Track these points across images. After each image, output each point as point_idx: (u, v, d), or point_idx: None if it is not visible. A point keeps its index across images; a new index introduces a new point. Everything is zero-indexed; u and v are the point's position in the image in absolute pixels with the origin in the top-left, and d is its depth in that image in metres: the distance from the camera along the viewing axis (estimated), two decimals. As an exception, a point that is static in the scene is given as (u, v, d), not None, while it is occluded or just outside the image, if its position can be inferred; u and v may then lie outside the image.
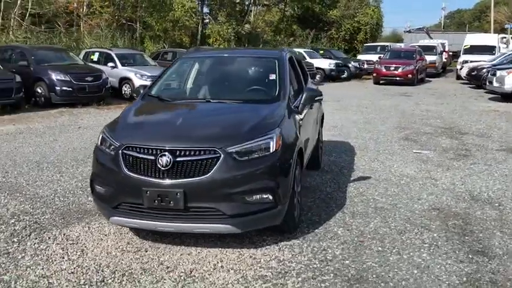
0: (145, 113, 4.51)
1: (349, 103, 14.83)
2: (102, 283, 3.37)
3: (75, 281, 3.38)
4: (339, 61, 24.82)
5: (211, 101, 4.52)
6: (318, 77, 23.03)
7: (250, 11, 35.99)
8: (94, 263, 3.66)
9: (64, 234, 4.22)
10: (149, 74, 14.06)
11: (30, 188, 5.62)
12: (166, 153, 3.57)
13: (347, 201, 5.19)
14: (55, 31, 20.76)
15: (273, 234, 4.16)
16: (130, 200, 3.70)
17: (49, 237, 4.16)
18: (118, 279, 3.41)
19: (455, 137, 9.23)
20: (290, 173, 3.88)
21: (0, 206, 4.98)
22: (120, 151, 3.74)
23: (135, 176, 3.63)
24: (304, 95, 4.72)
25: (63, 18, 22.06)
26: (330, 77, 23.86)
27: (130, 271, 3.54)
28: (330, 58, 25.38)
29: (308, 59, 23.48)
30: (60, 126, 10.18)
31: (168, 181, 3.55)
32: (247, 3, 35.53)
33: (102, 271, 3.53)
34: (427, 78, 25.22)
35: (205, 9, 32.85)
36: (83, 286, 3.32)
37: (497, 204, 5.12)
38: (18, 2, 20.11)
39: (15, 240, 4.10)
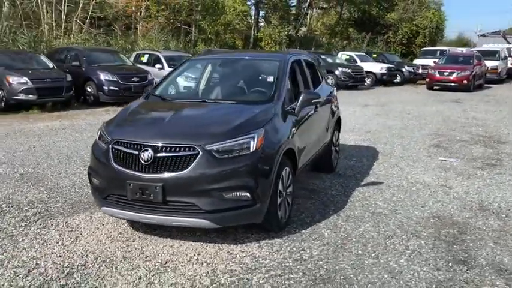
0: (141, 111, 4.76)
1: (393, 108, 14.53)
2: (83, 267, 3.63)
3: (60, 264, 3.66)
4: (391, 65, 24.24)
5: (207, 101, 4.70)
6: (368, 81, 22.68)
7: (307, 14, 35.97)
8: (82, 249, 3.93)
9: (66, 222, 4.55)
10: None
11: (53, 179, 6.06)
12: (149, 148, 3.79)
13: (347, 205, 5.18)
14: (112, 34, 21.86)
15: (258, 232, 4.27)
16: (117, 192, 3.95)
17: (52, 224, 4.50)
18: (97, 265, 3.66)
19: (491, 145, 8.82)
20: (271, 173, 3.96)
21: (21, 194, 5.42)
22: (110, 145, 4.01)
23: (121, 169, 3.88)
24: (300, 98, 4.78)
25: (121, 22, 23.17)
26: (382, 81, 23.40)
27: (111, 258, 3.78)
28: (383, 62, 24.87)
29: (359, 63, 23.19)
30: (101, 123, 10.74)
31: (148, 175, 3.76)
32: (303, 6, 35.55)
33: (87, 257, 3.80)
34: (487, 85, 24.08)
35: (261, 13, 33.29)
36: (65, 269, 3.59)
37: (504, 215, 4.92)
38: (80, 5, 21.38)
39: (22, 224, 4.48)
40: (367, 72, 22.16)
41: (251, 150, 3.85)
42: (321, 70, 6.64)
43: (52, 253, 3.86)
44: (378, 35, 36.03)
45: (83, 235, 4.26)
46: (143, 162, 3.78)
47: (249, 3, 29.67)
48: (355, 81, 20.81)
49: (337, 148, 6.81)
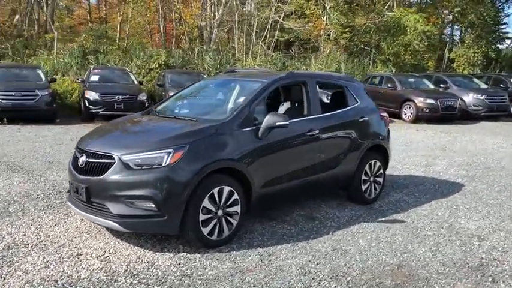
0: (117, 123, 5.38)
1: None
2: (23, 244, 4.41)
3: (19, 239, 4.54)
4: None
5: (177, 117, 5.03)
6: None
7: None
8: (45, 233, 4.74)
9: (64, 212, 5.42)
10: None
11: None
12: (84, 154, 4.42)
13: (313, 236, 4.84)
14: (287, 56, 23.29)
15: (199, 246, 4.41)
16: (70, 189, 4.68)
17: (58, 211, 5.47)
18: (31, 245, 4.38)
19: None
20: (186, 188, 4.10)
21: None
22: (74, 149, 4.78)
23: (71, 169, 4.60)
24: (264, 120, 4.72)
25: (300, 44, 24.47)
26: None
27: (44, 243, 4.45)
28: None
29: None
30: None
31: (81, 177, 4.38)
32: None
33: (37, 239, 4.59)
34: None
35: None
36: (17, 243, 4.44)
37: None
38: (266, 30, 23.45)
39: (44, 207, 5.57)
40: None
41: (164, 164, 4.10)
42: (357, 91, 6.15)
43: (26, 232, 4.76)
44: None
45: (62, 223, 5.07)
46: (79, 165, 4.42)
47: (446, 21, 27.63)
48: None
49: (377, 179, 6.22)
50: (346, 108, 5.89)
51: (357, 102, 6.07)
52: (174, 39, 25.52)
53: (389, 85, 17.17)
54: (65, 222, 5.09)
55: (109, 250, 4.34)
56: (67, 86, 16.81)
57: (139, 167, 4.13)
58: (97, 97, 13.52)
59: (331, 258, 4.32)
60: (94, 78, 14.71)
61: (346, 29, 25.29)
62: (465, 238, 4.96)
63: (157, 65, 19.13)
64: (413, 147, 10.98)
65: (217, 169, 4.37)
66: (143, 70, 19.15)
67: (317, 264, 4.19)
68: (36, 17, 25.21)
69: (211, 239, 4.37)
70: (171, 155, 4.12)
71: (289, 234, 4.93)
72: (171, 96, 5.81)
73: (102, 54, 20.79)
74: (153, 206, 4.07)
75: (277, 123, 4.71)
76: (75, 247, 4.40)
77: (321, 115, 5.48)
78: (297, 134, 5.15)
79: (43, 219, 5.13)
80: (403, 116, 16.27)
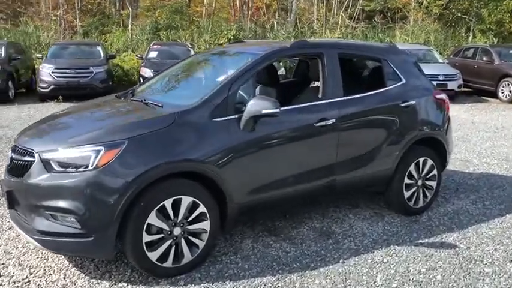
0: (72, 108, 4.36)
1: None
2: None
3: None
4: None
5: (145, 101, 3.87)
6: None
7: None
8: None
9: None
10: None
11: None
12: (11, 149, 3.49)
13: (315, 264, 3.53)
14: (369, 27, 21.08)
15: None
16: None
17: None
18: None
19: None
20: (119, 200, 3.02)
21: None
22: None
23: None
24: (247, 107, 3.46)
25: (385, 13, 22.10)
26: None
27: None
28: None
29: None
30: None
31: (5, 177, 3.47)
32: None
33: None
34: None
35: None
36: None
37: None
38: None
39: None
40: None
41: (90, 166, 3.04)
42: (403, 66, 4.58)
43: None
44: None
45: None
46: (8, 163, 3.51)
47: None
48: None
49: (428, 183, 4.69)
50: (382, 89, 4.40)
51: (401, 80, 4.53)
52: (249, 12, 24.37)
53: (484, 58, 14.59)
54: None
55: (36, 272, 3.41)
56: (134, 63, 16.51)
57: (63, 169, 3.10)
58: (152, 74, 12.89)
59: (323, 306, 3.04)
60: (152, 54, 14.10)
61: (442, -4, 22.33)
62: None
63: (226, 40, 18.21)
64: (503, 135, 8.90)
65: (171, 173, 3.24)
66: (212, 45, 18.33)
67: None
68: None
69: (162, 266, 3.27)
70: (100, 154, 3.05)
71: (283, 259, 3.68)
72: (157, 75, 4.71)
73: (174, 30, 20.30)
74: (75, 220, 3.05)
75: (263, 111, 3.43)
76: (2, 264, 3.54)
77: (341, 99, 4.07)
78: (301, 124, 3.84)
79: None
80: (500, 94, 13.76)
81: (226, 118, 3.47)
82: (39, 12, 22.87)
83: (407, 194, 4.55)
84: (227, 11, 29.02)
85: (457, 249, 3.91)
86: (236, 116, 3.50)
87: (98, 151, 3.06)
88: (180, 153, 3.26)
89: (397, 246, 3.93)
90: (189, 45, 15.32)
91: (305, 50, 4.16)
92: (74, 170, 3.07)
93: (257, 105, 3.43)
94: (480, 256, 3.79)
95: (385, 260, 3.69)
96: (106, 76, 12.71)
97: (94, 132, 3.26)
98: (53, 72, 12.11)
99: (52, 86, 12.07)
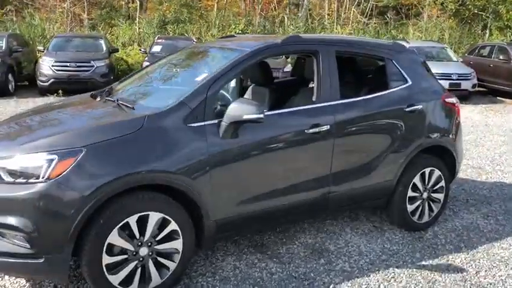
0: (38, 108, 3.98)
1: None
2: None
3: None
4: None
5: (118, 101, 3.47)
6: None
7: None
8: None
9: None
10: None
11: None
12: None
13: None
14: (382, 23, 20.49)
15: None
16: None
17: None
18: None
19: None
20: (74, 216, 2.64)
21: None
22: None
23: None
24: (226, 111, 3.05)
25: (398, 9, 21.47)
26: None
27: None
28: None
29: None
30: None
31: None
32: None
33: None
34: None
35: None
36: None
37: None
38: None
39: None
40: None
41: (41, 177, 2.66)
42: (409, 66, 4.12)
43: None
44: None
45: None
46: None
47: None
48: None
49: (434, 196, 4.25)
50: (384, 92, 3.95)
51: (407, 82, 4.08)
52: (259, 6, 23.86)
53: (501, 57, 13.94)
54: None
55: None
56: (139, 57, 16.18)
57: (13, 180, 2.73)
58: (154, 69, 12.55)
59: None
60: (156, 48, 13.71)
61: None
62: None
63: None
64: (519, 139, 8.38)
65: (135, 187, 2.84)
66: (219, 40, 17.96)
67: None
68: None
69: (133, 289, 2.89)
70: (53, 163, 2.66)
71: (267, 282, 3.27)
72: (140, 70, 4.31)
73: (182, 24, 19.91)
74: (23, 238, 2.68)
75: (244, 117, 3.01)
76: None
77: (338, 102, 3.63)
78: (291, 130, 3.41)
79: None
80: (517, 95, 13.19)
81: (203, 123, 3.06)
82: (46, 4, 22.59)
83: (410, 208, 4.12)
84: (238, 5, 28.54)
85: (465, 273, 3.48)
86: (216, 121, 3.10)
87: (51, 160, 2.68)
88: (146, 163, 2.85)
89: (396, 269, 3.50)
90: (195, 40, 14.92)
91: (298, 46, 3.72)
92: (24, 181, 2.69)
93: (238, 109, 3.02)
94: (491, 284, 3.35)
95: (381, 287, 3.26)
96: (107, 70, 12.36)
97: (50, 138, 2.88)
98: (53, 66, 11.79)
99: (52, 80, 11.74)
